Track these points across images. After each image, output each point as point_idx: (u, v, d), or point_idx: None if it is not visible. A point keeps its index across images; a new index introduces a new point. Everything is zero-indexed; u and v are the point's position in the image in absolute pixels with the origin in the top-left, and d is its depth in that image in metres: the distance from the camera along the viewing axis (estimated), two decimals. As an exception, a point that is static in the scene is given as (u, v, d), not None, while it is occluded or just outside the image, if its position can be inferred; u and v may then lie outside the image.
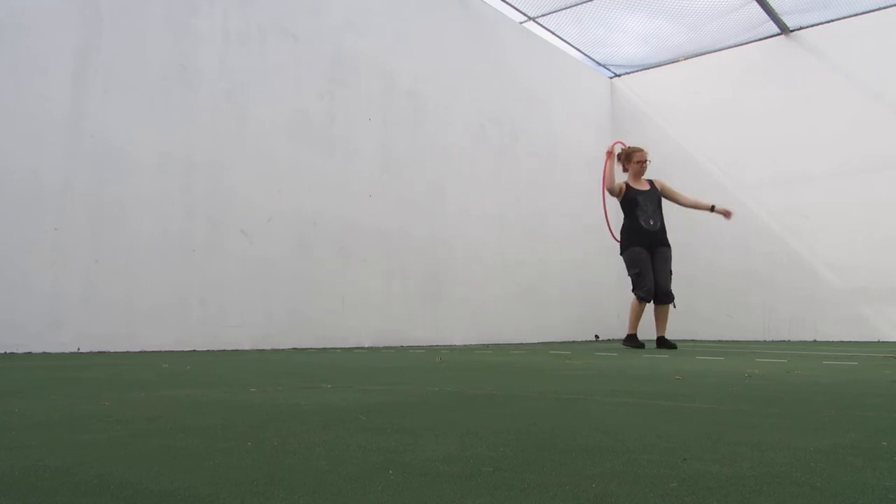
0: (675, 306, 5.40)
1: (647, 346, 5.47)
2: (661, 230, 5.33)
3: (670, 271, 5.32)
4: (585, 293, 8.90)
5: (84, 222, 4.25)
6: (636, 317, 5.31)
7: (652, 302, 5.30)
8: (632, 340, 5.35)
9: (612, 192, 5.51)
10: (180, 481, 0.88)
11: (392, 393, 2.01)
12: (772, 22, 8.16)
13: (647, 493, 0.83)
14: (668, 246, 5.38)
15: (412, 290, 6.44)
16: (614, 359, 3.94)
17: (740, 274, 8.52)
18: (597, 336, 8.99)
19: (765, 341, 7.92)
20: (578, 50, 9.25)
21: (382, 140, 6.30)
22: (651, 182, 5.58)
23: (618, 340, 8.81)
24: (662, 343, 5.31)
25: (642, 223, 5.26)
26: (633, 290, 5.34)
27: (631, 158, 5.54)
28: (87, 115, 4.31)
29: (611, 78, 10.01)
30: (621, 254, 5.48)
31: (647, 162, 5.55)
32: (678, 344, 5.74)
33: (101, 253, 4.30)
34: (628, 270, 5.38)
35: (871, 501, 0.80)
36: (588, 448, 1.12)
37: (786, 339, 8.06)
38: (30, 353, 3.86)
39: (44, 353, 3.85)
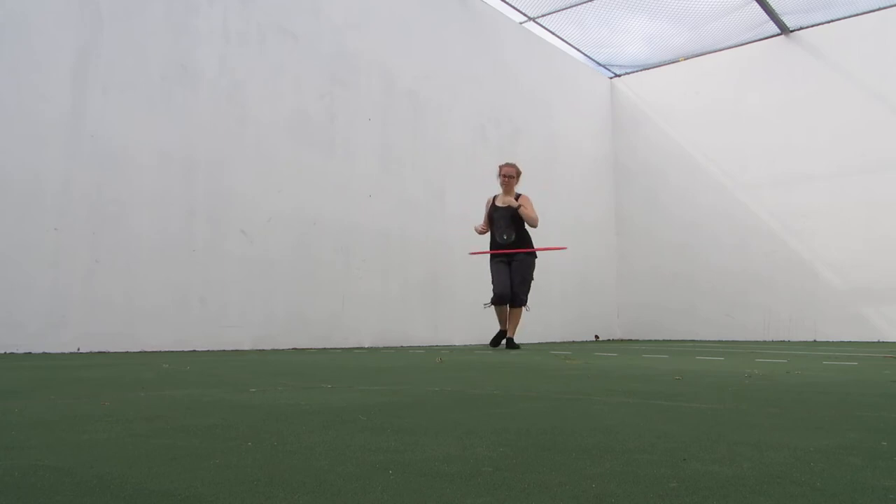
0: (528, 309, 5.66)
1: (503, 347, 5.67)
2: (518, 242, 5.65)
3: (524, 278, 5.60)
4: (585, 293, 8.90)
5: (84, 222, 4.25)
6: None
7: (507, 305, 5.63)
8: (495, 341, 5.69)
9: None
10: (180, 481, 0.88)
11: (392, 393, 2.01)
12: (772, 22, 8.16)
13: (647, 493, 0.83)
14: (528, 254, 5.65)
15: (412, 290, 6.44)
16: (614, 359, 3.94)
17: (740, 274, 8.52)
18: (597, 336, 9.00)
19: (765, 341, 7.92)
20: (579, 50, 9.26)
21: (382, 140, 6.30)
22: (517, 197, 5.74)
23: (618, 341, 8.82)
24: (509, 343, 5.58)
25: (496, 237, 5.65)
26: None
27: (498, 173, 5.80)
28: (87, 115, 4.31)
29: (611, 78, 10.01)
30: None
31: (513, 178, 5.72)
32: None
33: (101, 253, 4.30)
34: None
35: (871, 501, 0.80)
36: (588, 448, 1.12)
37: (786, 339, 8.06)
38: (30, 353, 3.86)
39: (44, 353, 3.85)
